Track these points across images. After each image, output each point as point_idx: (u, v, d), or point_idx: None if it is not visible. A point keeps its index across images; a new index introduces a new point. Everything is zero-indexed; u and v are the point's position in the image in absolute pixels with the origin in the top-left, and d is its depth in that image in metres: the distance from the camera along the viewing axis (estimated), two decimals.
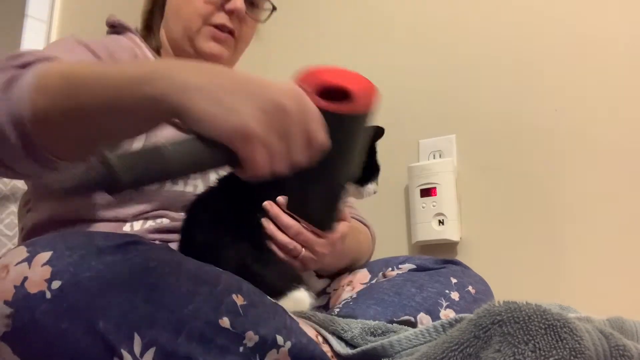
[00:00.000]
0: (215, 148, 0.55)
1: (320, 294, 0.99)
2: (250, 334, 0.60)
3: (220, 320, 0.59)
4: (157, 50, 1.06)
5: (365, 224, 1.08)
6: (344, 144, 0.63)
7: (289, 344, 0.62)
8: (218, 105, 0.54)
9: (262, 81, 0.58)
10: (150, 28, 1.08)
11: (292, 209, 0.80)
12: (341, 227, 0.86)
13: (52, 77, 0.64)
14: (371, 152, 0.93)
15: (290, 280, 0.80)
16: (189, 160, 0.55)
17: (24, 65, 0.67)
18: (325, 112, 0.60)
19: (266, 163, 0.55)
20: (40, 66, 0.67)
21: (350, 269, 1.02)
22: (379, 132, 0.92)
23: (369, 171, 0.92)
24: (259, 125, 0.54)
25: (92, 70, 0.65)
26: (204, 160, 0.56)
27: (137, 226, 0.87)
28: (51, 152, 0.65)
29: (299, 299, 0.78)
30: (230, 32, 1.03)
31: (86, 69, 0.66)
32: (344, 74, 0.68)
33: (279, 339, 0.62)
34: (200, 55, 1.02)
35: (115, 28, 1.05)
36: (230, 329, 0.59)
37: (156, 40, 1.07)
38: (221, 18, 1.01)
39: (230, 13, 1.01)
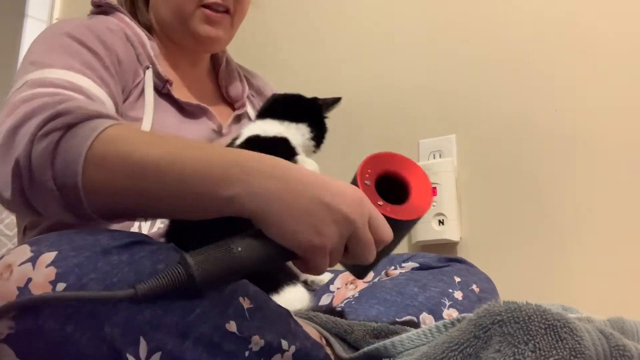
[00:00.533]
0: (282, 249, 0.59)
1: (324, 293, 0.99)
2: (256, 338, 0.59)
3: (227, 325, 0.58)
4: (148, 28, 1.03)
5: None
6: (395, 239, 0.67)
7: (293, 348, 0.62)
8: (294, 219, 0.58)
9: (333, 187, 0.60)
10: (135, 4, 1.05)
11: None
12: None
13: (111, 155, 0.61)
14: (324, 124, 0.99)
15: (286, 275, 0.80)
16: (259, 262, 0.59)
17: (68, 127, 0.63)
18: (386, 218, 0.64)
19: (327, 265, 0.60)
20: (92, 136, 0.62)
21: None
22: (334, 102, 0.98)
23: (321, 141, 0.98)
24: (333, 241, 0.58)
25: (157, 155, 0.61)
26: (271, 262, 0.61)
27: (145, 229, 0.86)
28: (97, 213, 0.63)
29: (296, 294, 0.78)
30: (226, 10, 1.00)
31: (149, 150, 0.62)
32: (411, 168, 0.72)
33: (284, 344, 0.61)
34: (195, 38, 1.01)
35: (102, 7, 1.01)
36: (237, 333, 0.58)
37: (143, 17, 1.03)
38: None
39: None
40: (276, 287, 0.77)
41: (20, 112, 0.66)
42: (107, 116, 0.66)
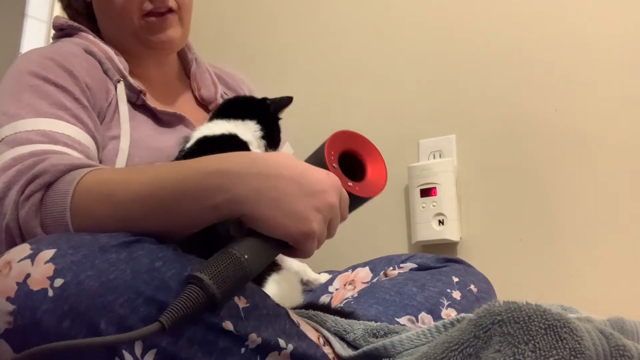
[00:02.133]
0: (276, 243, 0.63)
1: (322, 293, 0.99)
2: (253, 336, 0.59)
3: (223, 324, 0.58)
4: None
5: None
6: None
7: (290, 346, 0.62)
8: (283, 212, 0.62)
9: (311, 176, 0.65)
10: (79, 21, 1.01)
11: None
12: None
13: (94, 203, 0.66)
14: (276, 123, 0.98)
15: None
16: (262, 262, 0.63)
17: (47, 186, 0.67)
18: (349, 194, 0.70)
19: (315, 249, 0.65)
20: (71, 189, 0.66)
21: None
22: (286, 102, 0.97)
23: (274, 140, 0.97)
24: (319, 226, 0.64)
25: (137, 190, 0.65)
26: (270, 257, 0.65)
27: None
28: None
29: (278, 283, 0.79)
30: (168, 8, 0.97)
31: (128, 187, 0.66)
32: (371, 151, 0.78)
33: (281, 342, 0.61)
34: (149, 47, 0.99)
35: (64, 30, 1.00)
36: (233, 331, 0.59)
37: (91, 28, 1.00)
38: (148, 5, 0.96)
39: None
40: (260, 282, 0.77)
41: (0, 184, 0.69)
42: (79, 166, 0.69)
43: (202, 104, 1.10)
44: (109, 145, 0.88)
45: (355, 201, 0.71)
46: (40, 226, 0.66)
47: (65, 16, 1.04)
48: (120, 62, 0.96)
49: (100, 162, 0.86)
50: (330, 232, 0.67)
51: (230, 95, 1.14)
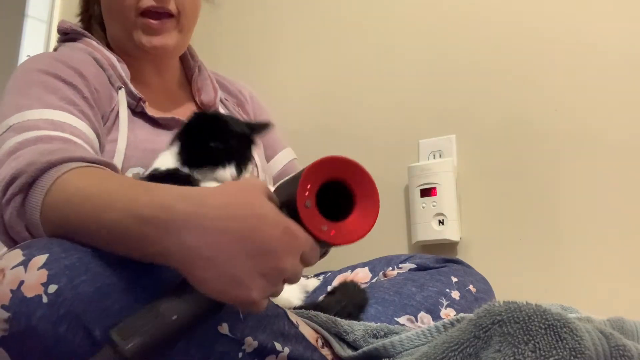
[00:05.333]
0: (214, 302, 0.56)
1: (322, 293, 0.99)
2: (249, 339, 0.59)
3: (219, 327, 0.58)
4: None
5: None
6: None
7: (287, 350, 0.62)
8: (218, 274, 0.54)
9: (262, 234, 0.56)
10: (92, 28, 1.03)
11: None
12: None
13: (55, 220, 0.63)
14: (247, 145, 0.88)
15: None
16: (192, 320, 0.56)
17: (26, 189, 0.65)
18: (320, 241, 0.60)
19: (262, 308, 0.57)
20: (40, 201, 0.64)
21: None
22: (264, 127, 0.89)
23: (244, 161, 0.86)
24: (260, 294, 0.55)
25: (81, 222, 0.61)
26: (203, 316, 0.57)
27: None
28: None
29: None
30: (168, 12, 0.96)
31: (77, 215, 0.62)
32: (358, 174, 0.63)
33: (278, 346, 0.61)
34: (142, 50, 0.98)
35: (69, 34, 1.00)
36: (229, 334, 0.59)
37: (100, 39, 1.00)
38: (147, 2, 0.95)
39: None
40: None
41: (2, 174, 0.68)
42: (55, 163, 0.66)
43: (202, 109, 1.10)
44: (107, 147, 0.89)
45: (330, 245, 0.61)
46: (24, 228, 0.65)
47: (70, 19, 1.05)
48: (122, 70, 0.96)
49: None
50: (290, 282, 0.59)
51: (231, 101, 1.14)
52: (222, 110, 1.10)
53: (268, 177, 1.10)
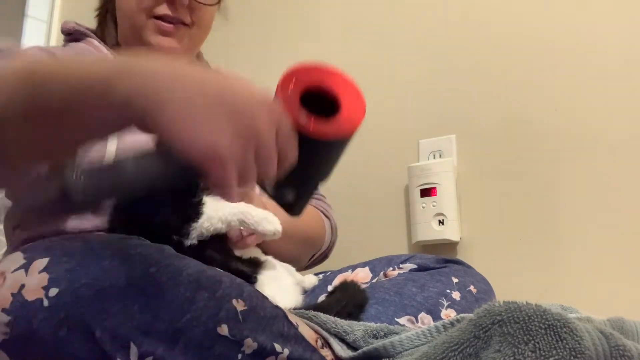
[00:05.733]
0: (181, 164, 0.51)
1: (321, 293, 0.99)
2: (248, 341, 0.59)
3: (218, 328, 0.58)
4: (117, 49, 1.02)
5: (326, 215, 1.10)
6: (324, 162, 0.60)
7: (287, 351, 0.62)
8: (190, 118, 0.50)
9: (239, 92, 0.53)
10: (105, 24, 1.04)
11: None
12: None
13: (8, 76, 0.56)
14: None
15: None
16: (152, 176, 0.53)
17: None
18: (302, 135, 0.55)
19: (233, 182, 0.52)
20: None
21: (316, 259, 1.07)
22: None
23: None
24: (229, 148, 0.50)
25: (54, 66, 0.58)
26: (168, 176, 0.53)
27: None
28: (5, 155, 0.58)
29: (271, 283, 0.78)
30: (182, 22, 0.97)
31: (47, 66, 0.59)
32: (338, 79, 0.61)
33: (277, 347, 0.61)
34: (149, 50, 0.98)
35: (72, 35, 1.01)
36: (229, 336, 0.59)
37: (111, 39, 1.02)
38: (163, 9, 0.96)
39: (171, 3, 0.95)
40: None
41: None
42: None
43: None
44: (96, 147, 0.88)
45: (316, 145, 0.56)
46: None
47: (64, 17, 1.06)
48: None
49: None
50: (260, 167, 0.53)
51: None
52: None
53: None
